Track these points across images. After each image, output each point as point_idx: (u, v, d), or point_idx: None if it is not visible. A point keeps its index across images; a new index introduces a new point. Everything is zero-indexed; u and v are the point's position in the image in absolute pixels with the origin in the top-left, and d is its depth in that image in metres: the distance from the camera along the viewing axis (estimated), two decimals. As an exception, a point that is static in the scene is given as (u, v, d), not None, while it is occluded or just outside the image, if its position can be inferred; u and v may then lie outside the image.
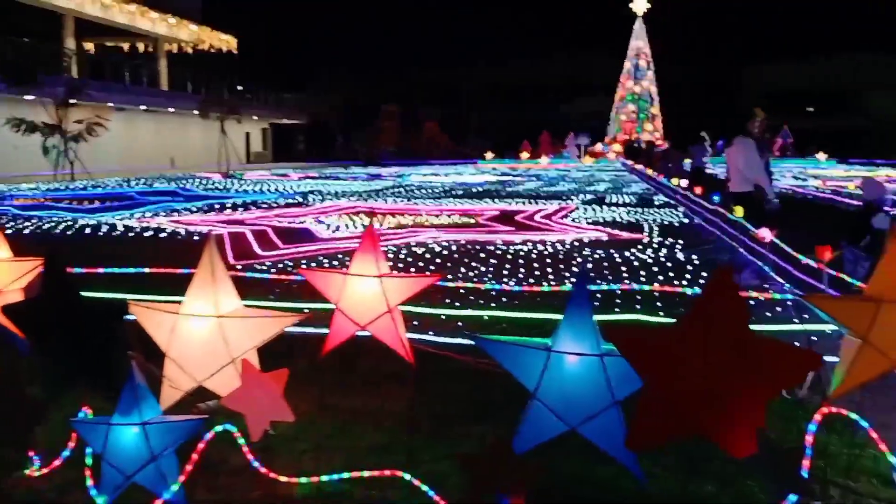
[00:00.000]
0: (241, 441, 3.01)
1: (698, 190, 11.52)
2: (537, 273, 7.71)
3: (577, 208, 14.86)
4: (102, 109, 30.01)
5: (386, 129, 51.64)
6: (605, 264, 8.21)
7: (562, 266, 8.15)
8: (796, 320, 5.04)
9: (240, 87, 43.69)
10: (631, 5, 54.58)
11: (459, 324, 5.24)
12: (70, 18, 34.37)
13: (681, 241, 10.02)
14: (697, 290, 5.75)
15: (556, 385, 2.90)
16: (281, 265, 8.08)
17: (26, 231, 11.72)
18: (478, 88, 64.12)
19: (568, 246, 9.73)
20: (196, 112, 34.81)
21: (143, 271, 5.79)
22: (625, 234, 10.68)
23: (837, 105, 55.70)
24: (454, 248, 9.65)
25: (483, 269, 8.02)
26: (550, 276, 7.46)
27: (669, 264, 8.20)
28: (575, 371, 2.89)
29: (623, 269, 7.89)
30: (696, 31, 66.78)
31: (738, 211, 7.73)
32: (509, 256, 8.88)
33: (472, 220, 12.72)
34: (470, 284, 6.63)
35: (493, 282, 6.92)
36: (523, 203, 16.00)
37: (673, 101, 55.30)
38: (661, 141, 49.40)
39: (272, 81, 48.29)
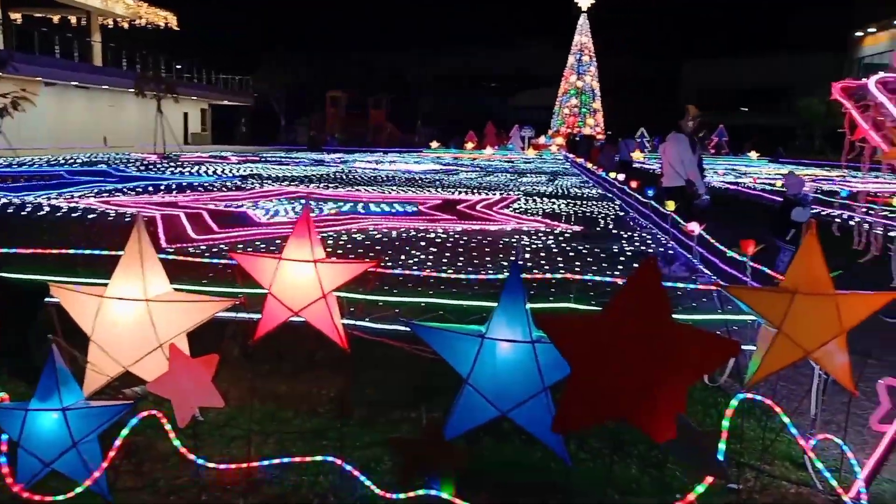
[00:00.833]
0: (168, 426, 2.95)
1: (634, 184, 11.81)
2: (476, 262, 7.78)
3: (519, 199, 15.02)
4: (30, 84, 28.55)
5: (331, 115, 50.95)
6: (542, 254, 8.35)
7: (500, 255, 8.24)
8: (719, 310, 5.25)
9: (178, 66, 42.25)
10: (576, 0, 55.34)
11: (396, 310, 5.25)
12: (-5, -14, 32.58)
13: (615, 233, 10.28)
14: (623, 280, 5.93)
15: (488, 371, 2.94)
16: (215, 249, 7.91)
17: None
18: (426, 77, 63.90)
19: (507, 235, 9.85)
20: (131, 90, 33.54)
21: (67, 252, 5.56)
22: (562, 225, 10.88)
23: (770, 103, 57.89)
24: (394, 235, 9.63)
25: (423, 256, 8.04)
26: (489, 265, 7.54)
27: (603, 255, 8.41)
28: (507, 357, 2.94)
29: (559, 259, 8.05)
30: (637, 28, 68.20)
31: (670, 205, 7.96)
32: (449, 245, 8.92)
33: (415, 208, 12.70)
34: (408, 271, 6.63)
35: (432, 269, 6.95)
36: (466, 193, 16.07)
37: (614, 97, 56.46)
38: (601, 135, 50.44)
39: (214, 61, 46.89)
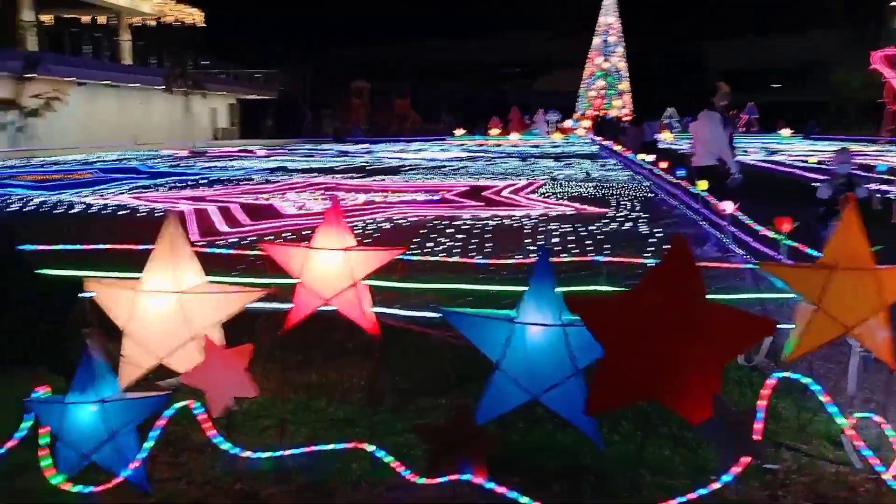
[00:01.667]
0: (202, 417, 2.99)
1: (663, 164, 11.63)
2: (504, 247, 7.75)
3: (545, 183, 14.91)
4: (62, 84, 29.11)
5: (355, 106, 51.04)
6: (571, 238, 8.28)
7: (528, 240, 8.19)
8: (753, 289, 5.15)
9: (205, 62, 42.65)
10: (601, -21, 54.51)
11: (425, 297, 5.25)
12: (27, -11, 33.15)
13: (645, 215, 10.14)
14: (656, 261, 5.84)
15: (519, 356, 2.93)
16: (245, 241, 7.99)
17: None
18: (449, 64, 63.62)
19: (535, 220, 9.78)
20: (160, 87, 34.00)
21: (101, 248, 5.67)
22: (591, 209, 10.76)
23: (801, 80, 56.51)
24: (421, 222, 9.64)
25: (450, 243, 8.03)
26: (517, 251, 7.50)
27: (633, 237, 8.31)
28: (538, 342, 2.92)
29: (588, 242, 7.98)
30: (664, 6, 66.95)
31: (702, 184, 7.83)
32: (476, 231, 8.90)
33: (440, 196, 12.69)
34: (436, 258, 6.63)
35: (460, 256, 6.93)
36: (491, 179, 16.00)
37: (642, 78, 55.58)
38: (627, 117, 49.73)
39: (240, 56, 47.27)
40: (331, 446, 3.11)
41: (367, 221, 9.62)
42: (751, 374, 3.94)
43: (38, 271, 3.06)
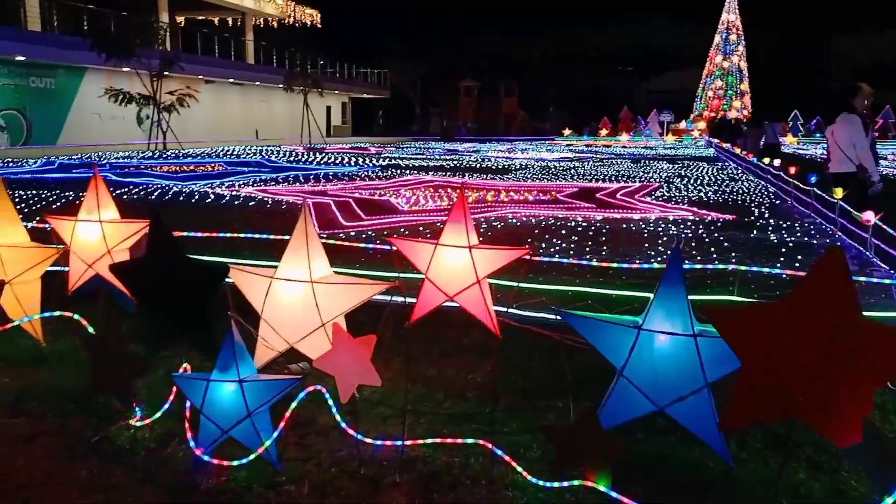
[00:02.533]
0: (331, 402, 3.10)
1: (793, 170, 10.95)
2: (621, 251, 7.56)
3: (661, 186, 14.42)
4: (193, 81, 31.15)
5: (464, 105, 51.44)
6: (693, 244, 7.96)
7: (646, 244, 7.94)
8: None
9: (322, 62, 44.37)
10: (723, -25, 52.15)
11: (543, 299, 5.20)
12: (163, -8, 35.67)
13: (772, 222, 9.59)
14: (791, 272, 5.49)
15: (644, 364, 2.83)
16: (364, 235, 8.23)
17: (124, 196, 12.37)
18: (559, 62, 62.80)
19: (652, 224, 9.48)
20: (281, 85, 35.64)
21: (237, 236, 6.02)
22: (712, 214, 10.30)
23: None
24: (534, 223, 9.56)
25: (564, 245, 7.92)
26: (635, 255, 7.30)
27: (761, 246, 7.87)
28: (665, 350, 2.81)
29: (712, 249, 7.63)
30: (789, 4, 63.07)
31: (838, 192, 7.30)
32: (591, 233, 8.73)
33: (552, 197, 12.55)
34: (553, 259, 6.56)
35: (576, 258, 6.82)
36: (603, 180, 15.66)
37: (764, 78, 52.69)
38: (746, 118, 47.29)
39: (353, 55, 48.80)
40: (451, 440, 3.15)
41: (480, 221, 9.65)
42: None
43: (188, 256, 3.26)
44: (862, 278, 5.43)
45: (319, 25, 47.08)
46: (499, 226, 9.29)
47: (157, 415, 3.31)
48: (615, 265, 5.67)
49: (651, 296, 2.84)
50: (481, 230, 8.91)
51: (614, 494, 2.69)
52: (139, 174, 16.26)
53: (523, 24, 66.13)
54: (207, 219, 9.13)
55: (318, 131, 35.84)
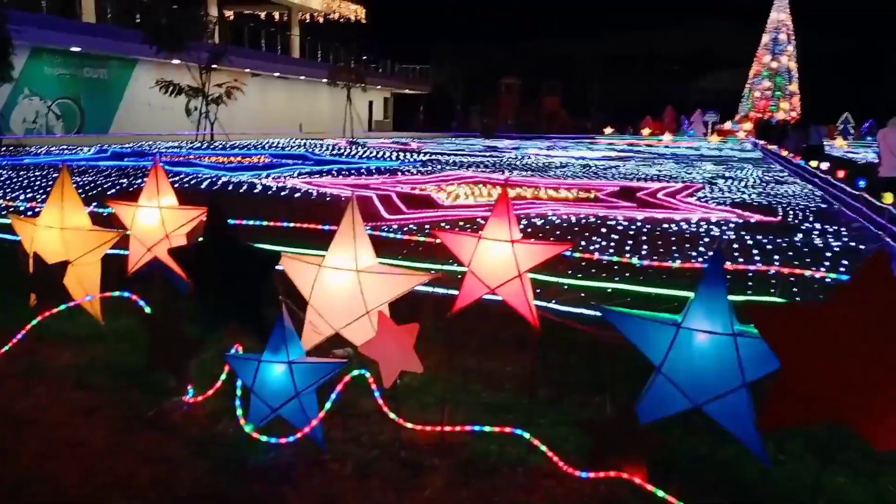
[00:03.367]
0: (374, 387, 3.21)
1: (841, 173, 10.73)
2: (661, 250, 7.53)
3: (704, 187, 14.25)
4: (240, 74, 31.76)
5: (504, 103, 51.31)
6: (736, 246, 7.88)
7: (688, 245, 7.90)
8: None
9: (365, 57, 44.76)
10: (773, -27, 50.95)
11: (582, 294, 5.25)
12: (213, -13, 36.40)
13: (818, 226, 9.43)
14: (836, 276, 5.42)
15: (683, 361, 2.87)
16: (406, 229, 8.36)
17: (175, 185, 12.74)
18: (600, 60, 62.12)
19: (694, 225, 9.40)
20: (325, 80, 36.08)
21: (286, 225, 6.19)
22: (756, 216, 10.16)
23: None
24: (574, 220, 9.58)
25: (605, 243, 7.93)
26: (676, 254, 7.27)
27: (805, 249, 7.75)
28: (704, 349, 2.85)
29: (755, 251, 7.55)
30: (839, 3, 61.22)
31: (888, 197, 7.16)
32: (631, 232, 8.71)
33: (592, 195, 12.52)
34: (593, 256, 6.58)
35: (618, 256, 6.83)
36: (645, 180, 15.53)
37: (814, 79, 51.34)
38: (794, 120, 46.16)
39: (396, 51, 49.11)
40: (489, 428, 3.23)
41: (520, 217, 9.70)
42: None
43: (243, 242, 3.41)
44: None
45: (364, 21, 47.48)
46: (539, 223, 9.32)
47: (210, 392, 3.47)
48: (655, 264, 5.68)
49: (691, 295, 2.88)
50: (521, 227, 8.95)
51: (650, 488, 2.74)
52: (188, 164, 16.69)
53: (569, 25, 65.67)
54: (256, 208, 9.36)
55: (359, 125, 36.22)
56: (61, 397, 3.55)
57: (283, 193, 11.94)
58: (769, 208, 11.26)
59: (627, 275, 5.97)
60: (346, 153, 23.15)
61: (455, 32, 54.87)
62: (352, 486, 2.84)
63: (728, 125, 46.25)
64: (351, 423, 3.37)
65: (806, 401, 2.41)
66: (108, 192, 11.25)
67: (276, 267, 3.43)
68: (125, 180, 13.11)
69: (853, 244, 8.19)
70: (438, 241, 3.49)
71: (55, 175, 12.49)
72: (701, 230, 8.99)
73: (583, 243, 7.83)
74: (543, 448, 3.03)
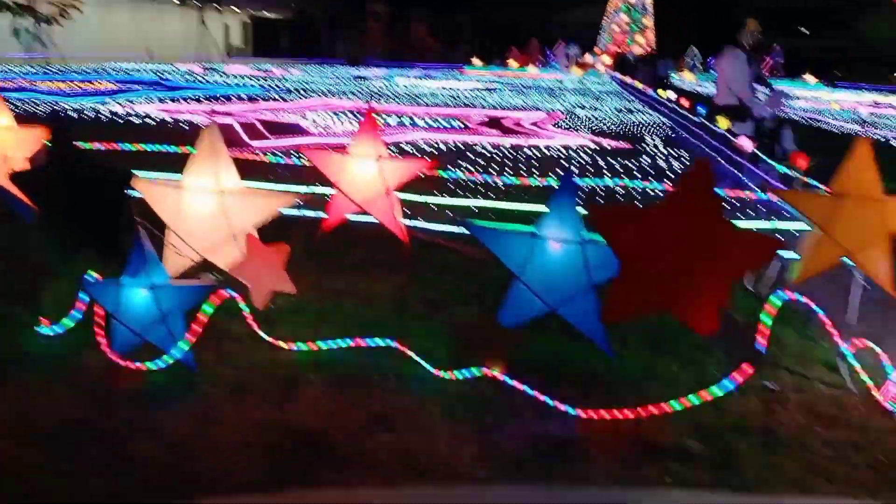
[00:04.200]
0: (245, 309, 3.21)
1: (685, 102, 11.57)
2: (525, 172, 7.89)
3: (564, 117, 14.85)
4: (76, -8, 28.55)
5: (372, 30, 49.91)
6: (590, 168, 8.40)
7: (548, 166, 8.32)
8: (767, 220, 5.29)
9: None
10: None
11: (449, 213, 5.41)
12: None
13: (664, 151, 10.19)
14: (670, 187, 5.96)
15: (538, 269, 3.11)
16: (271, 154, 8.13)
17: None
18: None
19: (554, 150, 9.86)
20: (175, 0, 33.30)
21: (140, 148, 5.81)
22: (609, 141, 10.80)
23: (829, 25, 54.51)
24: (444, 147, 9.74)
25: (471, 167, 8.17)
26: (538, 175, 7.64)
27: (651, 170, 8.40)
28: (557, 257, 3.10)
29: (607, 173, 8.09)
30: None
31: (723, 123, 7.83)
32: (498, 157, 9.01)
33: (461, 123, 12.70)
34: (459, 177, 6.77)
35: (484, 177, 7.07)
36: (510, 110, 15.93)
37: (667, 13, 53.81)
38: (645, 55, 48.47)
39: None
40: (363, 342, 3.35)
41: (390, 144, 9.70)
42: (759, 303, 4.12)
43: (91, 161, 3.22)
44: (737, 193, 5.93)
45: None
46: (409, 150, 9.40)
47: (68, 322, 3.32)
48: (517, 183, 5.95)
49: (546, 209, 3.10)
50: (393, 153, 8.98)
51: (508, 381, 2.99)
52: (21, 89, 15.05)
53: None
54: (104, 136, 8.69)
55: (216, 51, 33.99)
56: None
57: (134, 120, 11.13)
58: (623, 136, 11.97)
59: (492, 194, 6.22)
60: (202, 79, 21.78)
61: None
62: (227, 404, 2.87)
63: (588, 58, 47.75)
64: (223, 347, 3.35)
65: (640, 295, 2.71)
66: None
67: (131, 192, 3.28)
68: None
69: (690, 164, 8.96)
70: (305, 161, 3.49)
71: None
72: (560, 154, 9.46)
73: (450, 167, 8.02)
74: (413, 355, 3.18)
